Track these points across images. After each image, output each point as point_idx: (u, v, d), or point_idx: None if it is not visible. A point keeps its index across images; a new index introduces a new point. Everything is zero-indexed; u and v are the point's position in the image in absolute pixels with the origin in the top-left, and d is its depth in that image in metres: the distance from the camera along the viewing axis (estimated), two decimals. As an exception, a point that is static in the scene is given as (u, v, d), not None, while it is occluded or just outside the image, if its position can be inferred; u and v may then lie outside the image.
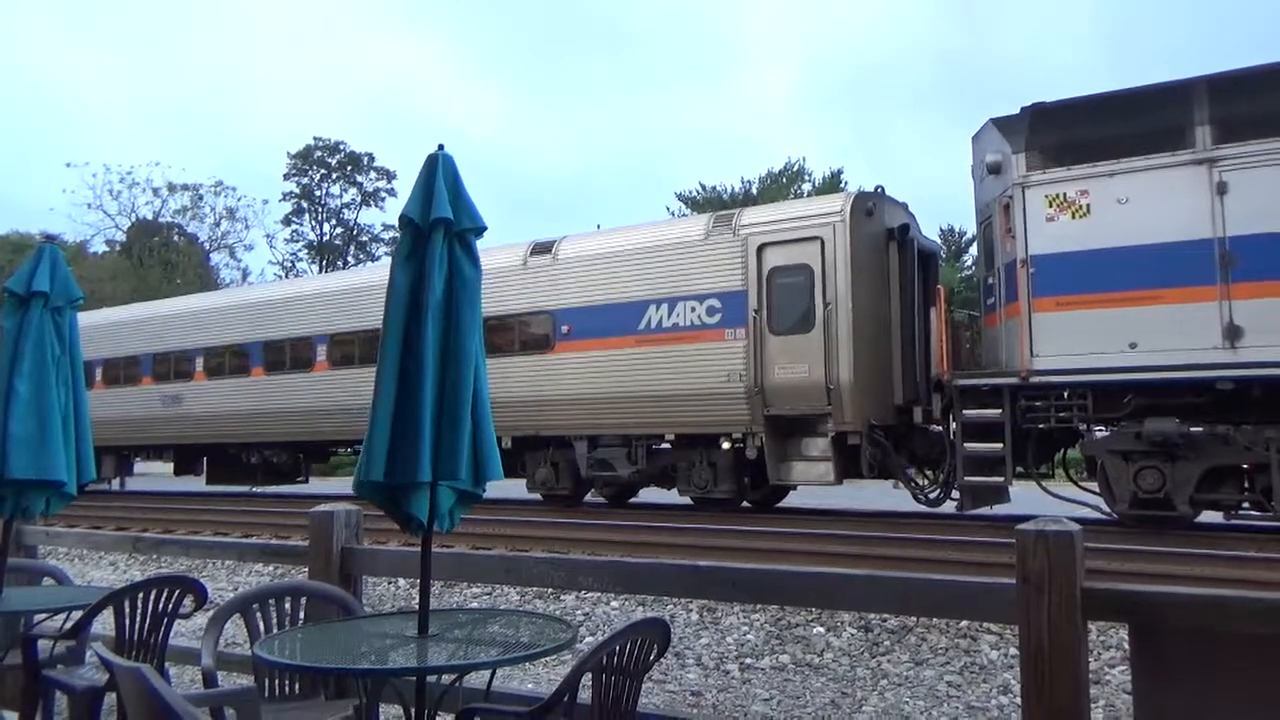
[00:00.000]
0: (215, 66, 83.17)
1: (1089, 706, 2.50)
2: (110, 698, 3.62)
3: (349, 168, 55.77)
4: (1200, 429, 9.45)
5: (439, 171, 3.03)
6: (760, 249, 12.20)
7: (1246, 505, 9.64)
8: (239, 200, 53.37)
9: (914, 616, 5.89)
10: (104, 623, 4.05)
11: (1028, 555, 2.46)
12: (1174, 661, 2.33)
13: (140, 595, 3.78)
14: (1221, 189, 9.34)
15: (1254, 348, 9.03)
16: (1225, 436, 9.34)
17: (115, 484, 21.62)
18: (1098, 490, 10.40)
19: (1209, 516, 10.07)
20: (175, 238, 52.99)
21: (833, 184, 43.10)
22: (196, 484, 20.72)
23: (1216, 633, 2.30)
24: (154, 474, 24.42)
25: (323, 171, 55.56)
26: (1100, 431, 10.30)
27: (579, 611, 7.02)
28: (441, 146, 3.12)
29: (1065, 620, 2.41)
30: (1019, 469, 10.56)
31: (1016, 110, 10.73)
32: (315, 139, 55.14)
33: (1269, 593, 2.43)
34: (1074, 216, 10.08)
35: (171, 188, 50.98)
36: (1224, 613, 2.31)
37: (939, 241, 30.70)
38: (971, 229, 24.76)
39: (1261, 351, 8.98)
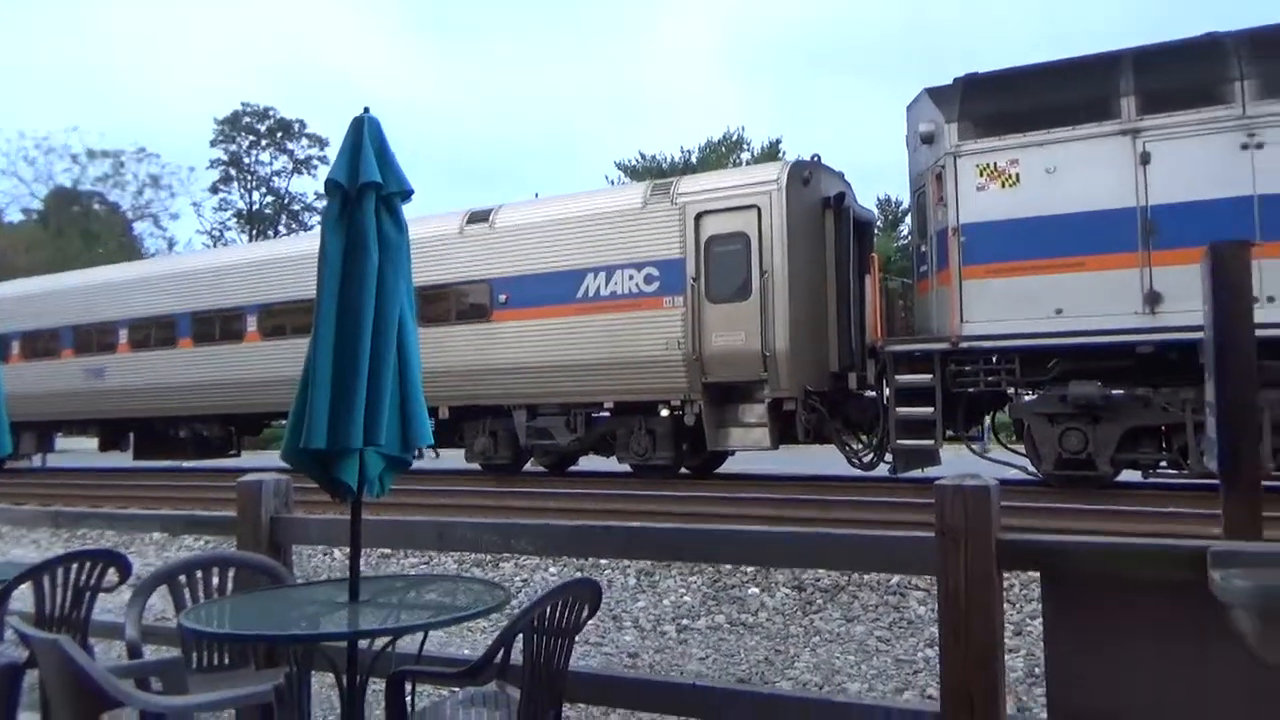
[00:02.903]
0: (132, 31, 79.68)
1: (1004, 651, 2.61)
2: (32, 675, 3.53)
3: (279, 134, 54.25)
4: (1121, 392, 9.81)
5: (365, 134, 2.97)
6: (698, 217, 12.24)
7: (1164, 464, 10.06)
8: (163, 168, 51.77)
9: (839, 571, 6.03)
10: (23, 599, 3.94)
11: (946, 509, 2.55)
12: (1081, 605, 2.44)
13: (60, 570, 3.69)
14: (1145, 159, 9.61)
15: (1172, 313, 9.34)
16: (1145, 399, 9.71)
17: (36, 460, 20.94)
18: (1025, 452, 10.74)
19: (1129, 475, 10.48)
20: (96, 206, 51.18)
21: (771, 153, 43.30)
22: (123, 460, 20.15)
23: (1120, 577, 2.41)
24: (78, 450, 23.68)
25: (251, 138, 53.98)
26: (1027, 395, 10.62)
27: (517, 579, 7.04)
28: (367, 110, 3.05)
29: (981, 569, 2.50)
30: (949, 432, 10.84)
31: (950, 80, 10.91)
32: (243, 104, 53.63)
33: (1163, 539, 2.56)
34: (1004, 185, 10.29)
35: (91, 154, 49.23)
36: (1123, 558, 2.44)
37: (875, 211, 31.11)
38: (907, 199, 25.09)
39: (1179, 316, 9.28)
